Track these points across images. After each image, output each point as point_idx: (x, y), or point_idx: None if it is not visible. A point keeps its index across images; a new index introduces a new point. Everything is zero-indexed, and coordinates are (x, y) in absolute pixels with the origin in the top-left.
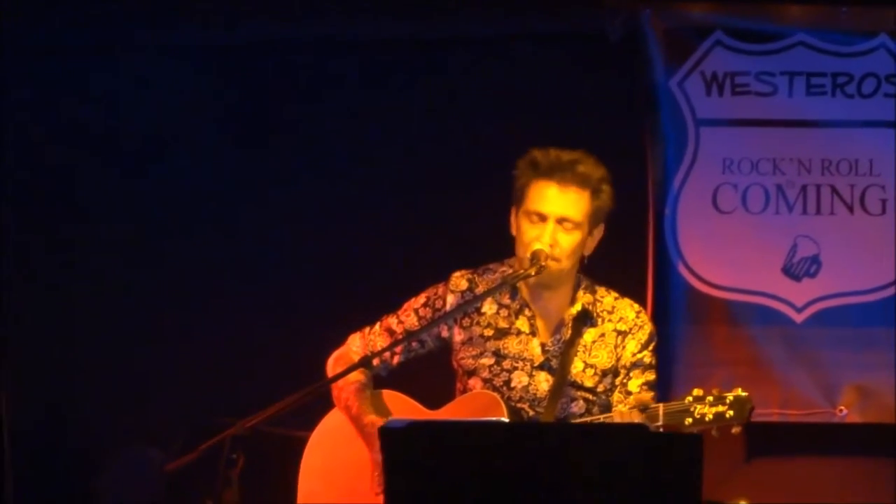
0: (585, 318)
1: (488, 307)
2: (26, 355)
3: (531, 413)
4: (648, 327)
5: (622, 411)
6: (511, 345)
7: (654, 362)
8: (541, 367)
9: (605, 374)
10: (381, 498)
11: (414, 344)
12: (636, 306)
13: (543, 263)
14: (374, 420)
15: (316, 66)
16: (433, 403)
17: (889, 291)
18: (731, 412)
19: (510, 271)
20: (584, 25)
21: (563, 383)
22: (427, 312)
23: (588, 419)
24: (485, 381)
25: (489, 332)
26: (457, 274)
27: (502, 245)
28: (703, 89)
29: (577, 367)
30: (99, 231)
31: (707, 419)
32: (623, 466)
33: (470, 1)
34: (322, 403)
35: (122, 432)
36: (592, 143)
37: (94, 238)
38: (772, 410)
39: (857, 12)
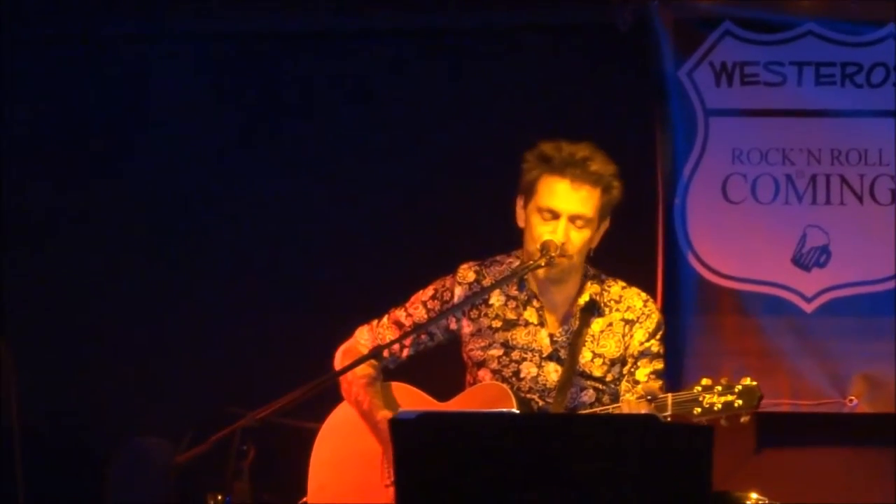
0: (593, 309)
1: (496, 299)
2: (34, 351)
3: (541, 403)
4: (656, 316)
5: (630, 401)
6: (520, 336)
7: (661, 351)
8: (550, 358)
9: (613, 363)
10: (391, 489)
11: (423, 336)
12: (644, 295)
13: (553, 254)
14: (387, 415)
15: (323, 59)
16: (443, 395)
17: None
18: (740, 401)
19: (517, 263)
20: (594, 16)
21: (572, 373)
22: (435, 305)
23: (598, 408)
24: (494, 372)
25: (497, 324)
26: (464, 266)
27: (510, 236)
28: (712, 79)
29: (585, 356)
30: (106, 226)
31: (716, 409)
32: (633, 457)
33: None
34: (331, 395)
35: (132, 425)
36: (602, 134)
37: (102, 233)
38: (782, 401)
39: (866, 2)
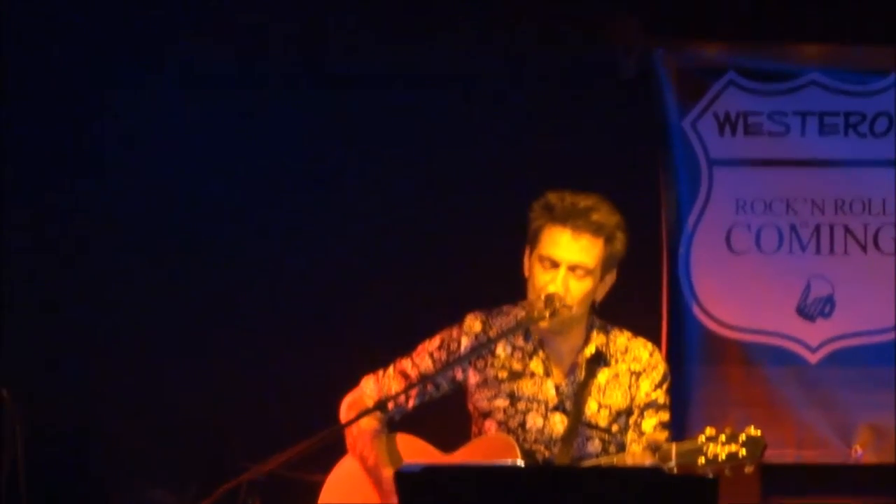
0: (599, 359)
1: (502, 349)
2: (42, 391)
3: (546, 454)
4: (662, 367)
5: (635, 451)
6: (526, 386)
7: (667, 402)
8: (556, 409)
9: (619, 414)
10: None
11: (429, 387)
12: (650, 346)
13: (558, 307)
14: (392, 472)
15: (332, 101)
16: (448, 446)
17: None
18: (743, 451)
19: (523, 313)
20: (598, 63)
21: (578, 424)
22: (441, 355)
23: (604, 458)
24: (500, 423)
25: (503, 374)
26: (470, 316)
27: (516, 286)
28: (715, 129)
29: (591, 407)
30: (119, 273)
31: (720, 459)
32: None
33: (484, 37)
34: (336, 446)
35: (138, 476)
36: (606, 182)
37: (114, 280)
38: (787, 451)
39: (869, 51)
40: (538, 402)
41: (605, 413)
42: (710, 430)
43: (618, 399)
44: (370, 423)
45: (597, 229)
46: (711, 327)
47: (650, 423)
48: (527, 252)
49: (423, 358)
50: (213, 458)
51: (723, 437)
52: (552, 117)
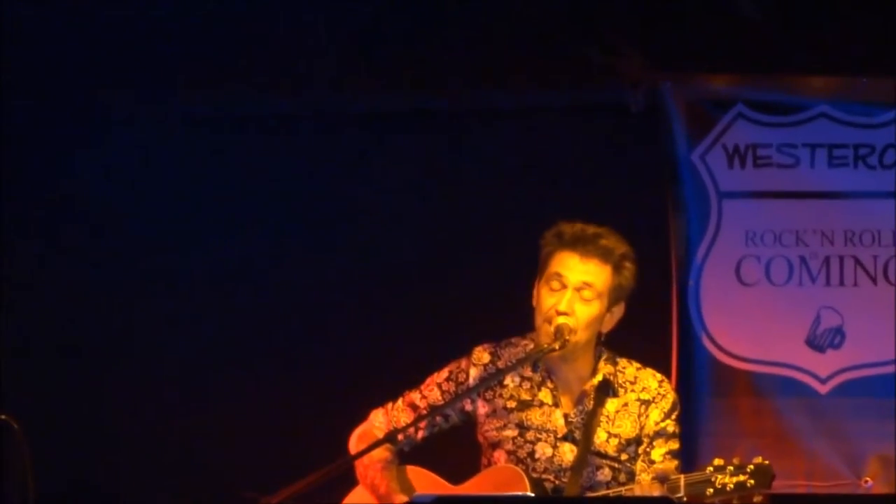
0: (607, 389)
1: (510, 379)
2: (48, 429)
3: (556, 484)
4: (671, 396)
5: (643, 482)
6: (534, 416)
7: (677, 431)
8: (565, 438)
9: (629, 443)
10: None
11: (438, 419)
12: (659, 375)
13: (568, 338)
14: (404, 500)
15: (341, 137)
16: (457, 477)
17: None
18: (752, 481)
19: (532, 345)
20: (606, 97)
21: (588, 454)
22: (450, 387)
23: (614, 487)
24: (509, 452)
25: (512, 404)
26: (479, 348)
27: (525, 318)
28: (725, 162)
29: (600, 437)
30: (121, 310)
31: (728, 489)
32: None
33: (493, 73)
34: (346, 478)
35: None
36: (615, 215)
37: (117, 311)
38: (797, 482)
39: (878, 83)
40: (547, 431)
41: (614, 442)
42: (718, 461)
43: (627, 428)
44: (381, 454)
45: (605, 254)
46: (721, 358)
47: (659, 452)
48: (537, 282)
49: (432, 389)
50: (223, 491)
51: (731, 468)
52: (562, 152)
